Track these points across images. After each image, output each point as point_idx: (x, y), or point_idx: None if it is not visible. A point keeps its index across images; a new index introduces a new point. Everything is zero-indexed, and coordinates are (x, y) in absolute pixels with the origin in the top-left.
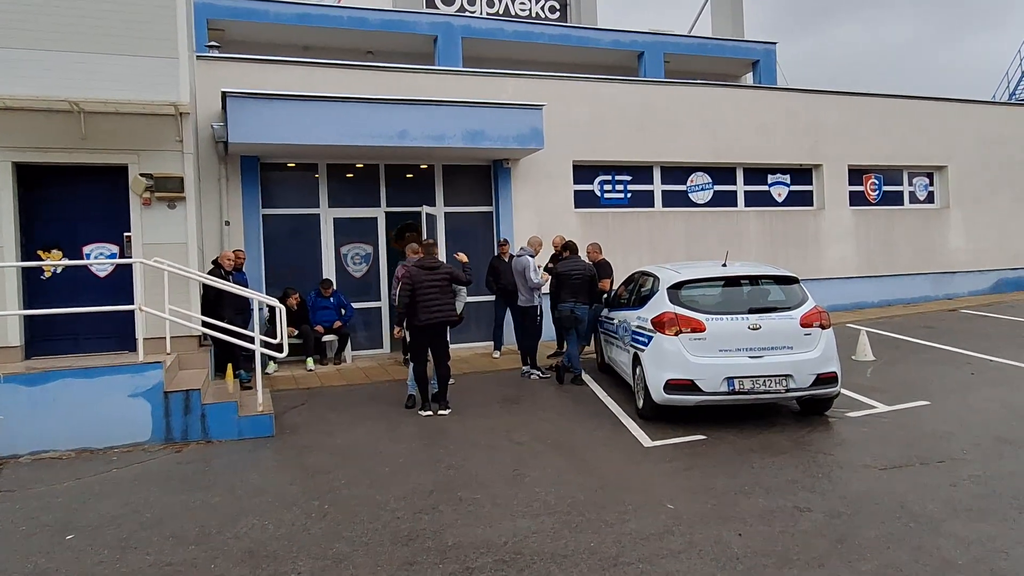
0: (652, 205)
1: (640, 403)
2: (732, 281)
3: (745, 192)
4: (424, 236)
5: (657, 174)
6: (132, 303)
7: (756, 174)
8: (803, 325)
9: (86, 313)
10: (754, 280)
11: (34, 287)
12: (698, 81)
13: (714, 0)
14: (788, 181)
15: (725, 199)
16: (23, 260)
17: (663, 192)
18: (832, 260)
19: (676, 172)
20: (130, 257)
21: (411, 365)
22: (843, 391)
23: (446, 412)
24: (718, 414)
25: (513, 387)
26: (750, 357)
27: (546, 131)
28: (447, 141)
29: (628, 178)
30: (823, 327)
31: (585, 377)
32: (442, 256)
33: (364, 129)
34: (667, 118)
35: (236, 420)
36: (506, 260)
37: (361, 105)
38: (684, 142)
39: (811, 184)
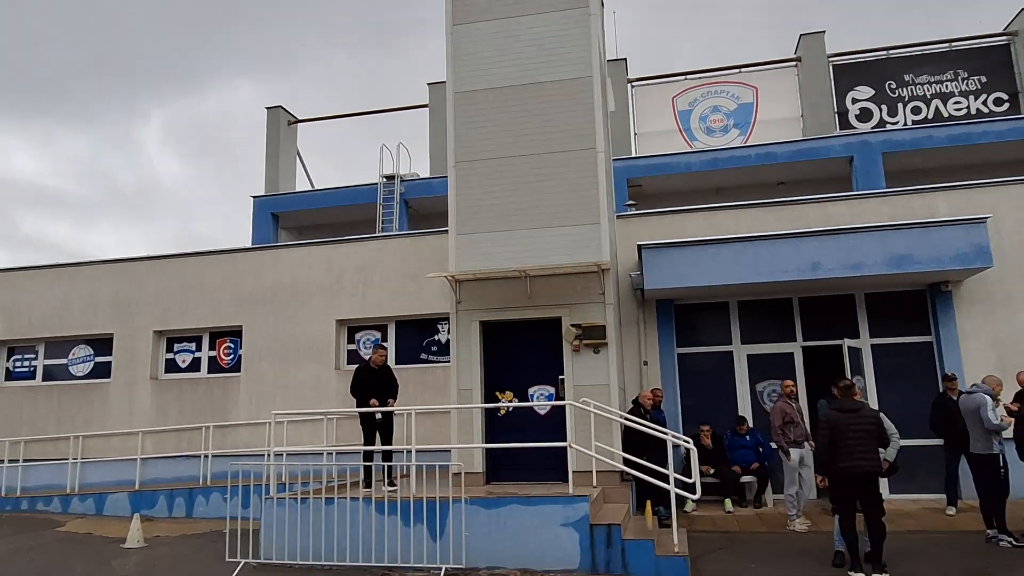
0: None
1: None
2: None
3: None
4: (848, 372)
5: None
6: (565, 439)
7: None
8: None
9: (533, 447)
10: None
11: (493, 422)
12: None
13: None
14: None
15: None
16: (486, 400)
17: None
18: None
19: None
20: (563, 398)
21: (836, 517)
22: None
23: None
24: None
25: (976, 556)
26: None
27: (998, 245)
28: (866, 269)
29: None
30: None
31: None
32: (872, 395)
33: (772, 265)
34: None
35: (653, 559)
36: (954, 398)
37: (766, 243)
38: None
39: None
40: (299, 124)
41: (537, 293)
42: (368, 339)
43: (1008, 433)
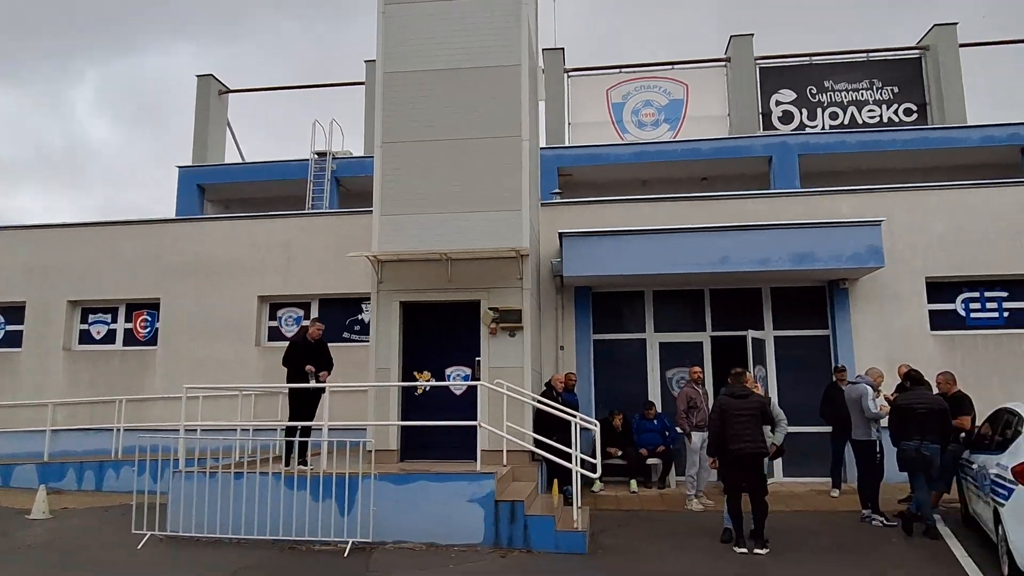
0: None
1: (1005, 569)
2: None
3: None
4: (751, 362)
5: None
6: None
7: None
8: None
9: (444, 425)
10: None
11: (409, 401)
12: None
13: None
14: None
15: None
16: (404, 380)
17: None
18: None
19: None
20: (479, 379)
21: (726, 497)
22: None
23: (763, 551)
24: None
25: (849, 533)
26: None
27: (891, 247)
28: (772, 264)
29: (1004, 294)
30: None
31: (942, 529)
32: (773, 384)
33: (685, 257)
34: None
35: (554, 534)
36: (843, 388)
37: (680, 235)
38: None
39: None
40: (231, 94)
41: (457, 276)
42: (290, 316)
43: (885, 422)
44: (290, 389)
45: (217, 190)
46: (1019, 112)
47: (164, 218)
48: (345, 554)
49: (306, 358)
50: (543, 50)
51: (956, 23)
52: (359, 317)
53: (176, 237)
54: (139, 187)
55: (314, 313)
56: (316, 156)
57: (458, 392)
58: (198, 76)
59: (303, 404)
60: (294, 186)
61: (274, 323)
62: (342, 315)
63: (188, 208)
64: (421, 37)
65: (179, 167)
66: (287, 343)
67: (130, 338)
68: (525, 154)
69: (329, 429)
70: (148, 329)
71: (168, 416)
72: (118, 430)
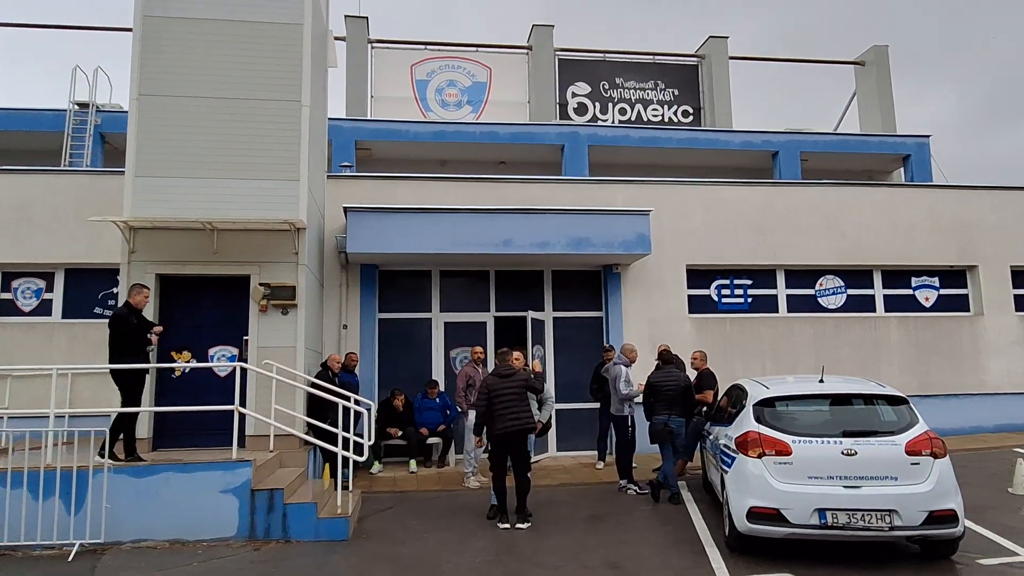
0: (776, 310)
1: (726, 531)
2: (828, 399)
3: (885, 296)
4: (530, 341)
5: (781, 278)
6: (245, 403)
7: (897, 277)
8: (909, 453)
9: (200, 411)
10: (853, 399)
11: (166, 384)
12: (824, 181)
13: (861, 97)
14: (937, 284)
15: (861, 304)
16: (159, 360)
17: (788, 296)
18: (995, 373)
19: (803, 275)
20: (246, 359)
21: (492, 475)
22: (982, 532)
23: (524, 526)
24: (820, 550)
25: (605, 502)
26: (845, 487)
27: (658, 236)
28: (551, 248)
29: (748, 282)
30: (936, 456)
31: (685, 495)
32: (550, 363)
33: (471, 238)
34: (790, 220)
35: (315, 521)
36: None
37: (467, 215)
38: (810, 244)
39: (966, 288)
40: None
41: (225, 248)
42: (28, 288)
43: (641, 399)
44: (120, 370)
45: None
46: (775, 122)
47: None
48: (70, 558)
49: (141, 331)
50: (345, 17)
51: (727, 37)
52: (114, 291)
53: None
54: None
55: (59, 285)
56: (77, 107)
57: (222, 374)
58: None
59: (137, 385)
60: (50, 139)
61: (7, 295)
62: (93, 288)
63: None
64: None
65: None
66: (109, 320)
67: None
68: (305, 121)
69: (60, 417)
70: None
71: None
72: None
